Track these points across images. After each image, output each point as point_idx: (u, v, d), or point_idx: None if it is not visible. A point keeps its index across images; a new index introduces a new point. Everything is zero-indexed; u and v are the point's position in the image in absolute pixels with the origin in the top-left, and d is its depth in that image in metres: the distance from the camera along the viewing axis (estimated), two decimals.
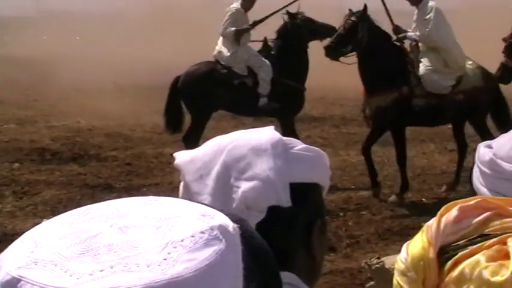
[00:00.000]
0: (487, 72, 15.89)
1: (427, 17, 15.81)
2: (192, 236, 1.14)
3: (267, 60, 16.92)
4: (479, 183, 2.88)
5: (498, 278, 1.56)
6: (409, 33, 16.26)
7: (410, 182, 16.03)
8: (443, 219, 1.68)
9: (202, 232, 1.15)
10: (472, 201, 1.70)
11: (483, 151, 2.85)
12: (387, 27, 16.61)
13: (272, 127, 2.52)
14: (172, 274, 1.10)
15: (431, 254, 1.65)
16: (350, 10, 16.49)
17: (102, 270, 1.08)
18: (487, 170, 2.82)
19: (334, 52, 16.04)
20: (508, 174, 2.73)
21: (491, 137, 13.12)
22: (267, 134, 2.44)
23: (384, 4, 17.25)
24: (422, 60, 15.71)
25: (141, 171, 17.41)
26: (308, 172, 2.43)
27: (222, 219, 1.22)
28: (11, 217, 13.71)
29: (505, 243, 1.61)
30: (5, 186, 16.08)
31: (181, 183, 2.43)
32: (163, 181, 14.92)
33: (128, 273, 1.08)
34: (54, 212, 13.54)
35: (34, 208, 14.28)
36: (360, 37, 15.62)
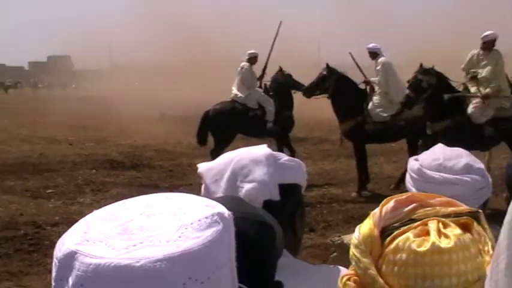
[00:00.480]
0: (412, 114, 15.55)
1: (377, 68, 16.25)
2: (199, 220, 1.18)
3: (270, 98, 17.40)
4: (410, 184, 2.92)
5: (422, 249, 1.57)
6: (372, 79, 16.56)
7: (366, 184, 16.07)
8: (384, 209, 1.67)
9: (206, 217, 1.19)
10: (404, 196, 1.70)
11: (412, 163, 2.91)
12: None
13: (265, 145, 2.54)
14: (184, 248, 1.13)
15: (376, 232, 1.64)
16: (326, 64, 16.75)
17: (134, 245, 1.11)
18: (415, 176, 2.86)
19: (307, 93, 16.69)
20: (429, 178, 2.80)
21: None
22: (262, 150, 2.48)
23: (356, 63, 17.85)
24: (373, 98, 15.95)
25: (179, 176, 17.50)
26: (291, 176, 2.45)
27: (220, 208, 1.25)
28: (90, 207, 13.66)
29: (426, 225, 1.61)
30: (85, 185, 16.18)
31: (203, 185, 2.46)
32: (194, 182, 14.77)
33: (153, 247, 1.11)
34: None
35: (105, 201, 14.24)
36: (327, 86, 16.04)
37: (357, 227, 1.70)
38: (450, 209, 1.67)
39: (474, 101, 14.60)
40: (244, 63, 17.95)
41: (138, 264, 1.08)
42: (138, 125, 28.80)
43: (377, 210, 1.68)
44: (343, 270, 1.95)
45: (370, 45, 16.93)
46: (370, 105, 15.88)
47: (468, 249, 1.60)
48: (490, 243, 1.63)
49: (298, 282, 2.21)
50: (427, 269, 1.57)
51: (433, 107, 14.62)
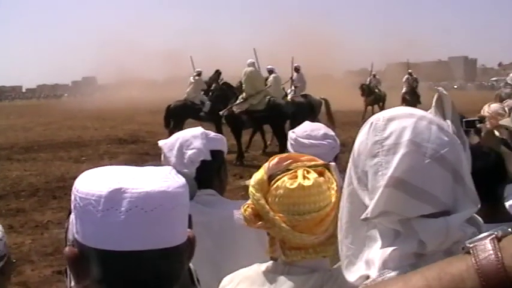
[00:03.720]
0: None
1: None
2: (170, 172, 1.10)
3: (207, 98, 16.40)
4: (290, 148, 2.83)
5: (292, 186, 1.54)
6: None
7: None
8: (271, 163, 1.62)
9: (171, 171, 1.10)
10: (284, 155, 1.65)
11: (290, 134, 2.84)
12: None
13: (200, 127, 2.50)
14: (179, 182, 1.07)
15: (265, 177, 1.59)
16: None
17: (155, 181, 1.05)
18: (293, 142, 2.80)
19: None
20: (301, 143, 2.73)
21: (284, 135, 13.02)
22: (198, 130, 2.45)
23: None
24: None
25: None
26: (217, 145, 2.41)
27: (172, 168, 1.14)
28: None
29: (296, 172, 1.54)
30: (104, 154, 15.88)
31: (162, 154, 2.40)
32: None
33: (168, 181, 1.05)
34: (127, 163, 13.53)
35: (117, 164, 13.98)
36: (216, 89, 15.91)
37: (254, 175, 1.64)
38: (312, 163, 1.62)
39: (237, 102, 14.60)
40: (197, 77, 17.10)
41: (169, 190, 1.02)
42: (136, 116, 28.59)
43: (266, 164, 1.62)
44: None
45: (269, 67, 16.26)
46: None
47: (321, 187, 1.55)
48: (335, 183, 1.58)
49: (218, 210, 2.25)
50: (295, 199, 1.53)
51: (220, 103, 15.16)
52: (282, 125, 13.86)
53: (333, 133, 2.94)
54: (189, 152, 2.31)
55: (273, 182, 1.57)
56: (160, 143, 2.43)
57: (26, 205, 9.70)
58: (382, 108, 25.42)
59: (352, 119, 22.68)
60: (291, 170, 1.59)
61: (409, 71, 26.27)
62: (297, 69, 17.91)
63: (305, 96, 16.38)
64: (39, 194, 10.55)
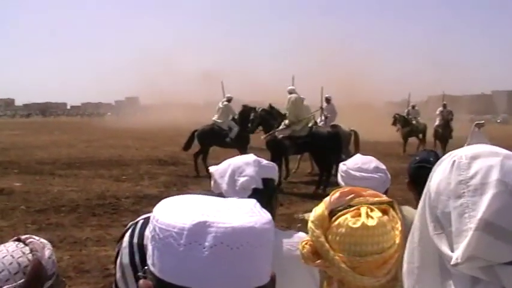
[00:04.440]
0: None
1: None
2: (254, 206, 1.04)
3: (235, 124, 16.41)
4: (340, 180, 2.78)
5: (355, 225, 1.46)
6: None
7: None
8: (332, 197, 1.52)
9: (255, 204, 1.05)
10: (346, 189, 1.56)
11: (341, 166, 2.81)
12: None
13: (252, 154, 2.40)
14: (265, 218, 1.00)
15: (326, 213, 1.50)
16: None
17: (242, 216, 0.98)
18: (343, 174, 2.75)
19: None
20: (352, 175, 2.69)
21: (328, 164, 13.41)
22: (251, 157, 2.34)
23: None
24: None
25: (200, 169, 16.85)
26: (269, 173, 2.31)
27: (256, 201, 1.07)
28: (147, 188, 13.43)
29: (359, 209, 1.47)
30: (145, 174, 15.88)
31: (212, 181, 2.31)
32: (207, 175, 14.82)
33: (255, 216, 0.99)
34: (166, 185, 13.92)
35: (156, 185, 14.03)
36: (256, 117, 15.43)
37: (314, 209, 1.56)
38: (376, 199, 1.54)
39: (280, 128, 14.46)
40: (226, 103, 17.09)
41: (257, 226, 0.96)
42: (177, 138, 28.73)
43: (328, 198, 1.55)
44: (303, 235, 1.80)
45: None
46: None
47: (385, 227, 1.48)
48: (399, 222, 1.51)
49: None
50: (358, 239, 1.46)
51: (264, 128, 15.15)
52: (323, 152, 13.73)
53: (384, 166, 2.88)
54: (242, 179, 2.22)
55: (334, 218, 1.51)
56: (212, 169, 2.36)
57: (65, 220, 9.78)
58: (422, 140, 25.05)
59: (394, 150, 22.40)
60: (353, 206, 1.52)
61: (444, 103, 25.76)
62: (327, 100, 17.84)
63: (334, 126, 15.99)
64: (79, 210, 10.63)
